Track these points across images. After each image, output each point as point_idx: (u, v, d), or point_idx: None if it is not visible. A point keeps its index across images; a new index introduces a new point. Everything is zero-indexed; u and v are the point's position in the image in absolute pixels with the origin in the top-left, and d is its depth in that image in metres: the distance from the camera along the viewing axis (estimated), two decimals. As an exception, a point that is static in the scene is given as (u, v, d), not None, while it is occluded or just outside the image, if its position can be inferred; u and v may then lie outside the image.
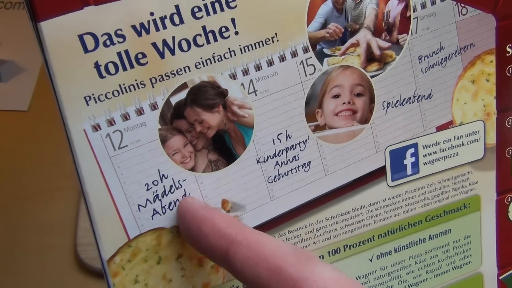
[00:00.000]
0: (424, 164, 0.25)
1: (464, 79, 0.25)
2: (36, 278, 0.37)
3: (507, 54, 0.25)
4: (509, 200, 0.28)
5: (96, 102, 0.18)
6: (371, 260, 0.26)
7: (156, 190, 0.20)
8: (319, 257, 0.24)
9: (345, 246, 0.25)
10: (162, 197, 0.20)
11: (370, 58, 0.23)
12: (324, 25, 0.21)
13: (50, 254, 0.38)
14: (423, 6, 0.23)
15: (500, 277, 0.29)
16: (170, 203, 0.20)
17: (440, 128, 0.25)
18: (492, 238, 0.28)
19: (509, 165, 0.28)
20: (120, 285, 0.20)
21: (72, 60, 0.18)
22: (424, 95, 0.24)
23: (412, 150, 0.25)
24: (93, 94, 0.18)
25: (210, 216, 0.19)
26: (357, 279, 0.25)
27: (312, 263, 0.17)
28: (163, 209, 0.20)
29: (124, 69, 0.18)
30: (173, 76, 0.19)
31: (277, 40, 0.21)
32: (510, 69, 0.26)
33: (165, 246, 0.21)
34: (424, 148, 0.25)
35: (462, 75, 0.25)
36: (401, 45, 0.23)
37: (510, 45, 0.25)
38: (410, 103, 0.24)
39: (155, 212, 0.20)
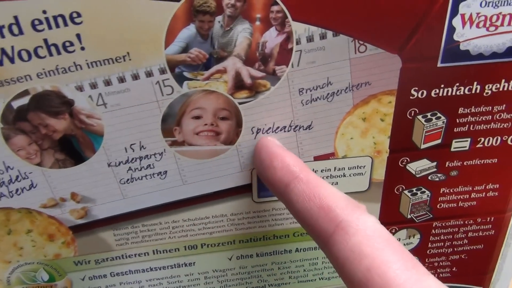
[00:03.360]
0: (297, 188, 0.25)
1: (353, 116, 0.24)
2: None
3: (411, 97, 0.23)
4: (393, 231, 0.28)
5: None
6: (230, 259, 0.27)
7: (2, 178, 0.22)
8: (175, 249, 0.26)
9: (203, 244, 0.26)
10: (9, 184, 0.22)
11: (239, 85, 0.22)
12: (185, 49, 0.20)
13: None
14: (310, 39, 0.21)
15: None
16: (17, 189, 0.22)
17: (318, 158, 0.25)
18: (368, 260, 0.29)
19: (398, 201, 0.27)
20: (-28, 246, 0.23)
21: None
22: (303, 126, 0.23)
23: (284, 174, 0.25)
24: None
25: (281, 153, 0.22)
26: (213, 272, 0.27)
27: (358, 211, 0.19)
28: (10, 193, 0.22)
29: (-39, 72, 0.19)
30: (14, 83, 0.20)
31: (130, 59, 0.20)
32: (413, 112, 0.24)
33: (14, 222, 0.23)
34: (298, 174, 0.25)
35: (351, 111, 0.23)
36: (278, 76, 0.22)
37: (416, 88, 0.23)
38: (285, 131, 0.23)
39: (2, 195, 0.22)
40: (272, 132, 0.23)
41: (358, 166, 0.25)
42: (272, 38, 0.21)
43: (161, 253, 0.26)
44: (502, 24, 0.22)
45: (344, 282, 0.18)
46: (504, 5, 0.21)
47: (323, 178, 0.25)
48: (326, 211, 0.19)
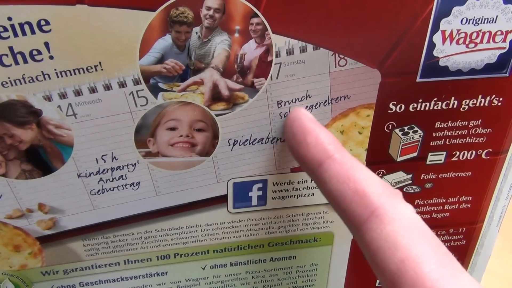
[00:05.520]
0: (273, 199, 0.25)
1: (332, 128, 0.23)
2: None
3: (389, 111, 0.23)
4: (367, 240, 0.28)
5: None
6: (203, 269, 0.27)
7: (-36, 189, 0.21)
8: (147, 259, 0.26)
9: (176, 254, 0.26)
10: (-29, 194, 0.21)
11: (216, 97, 0.21)
12: (160, 60, 0.20)
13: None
14: (290, 52, 0.21)
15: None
16: (-20, 200, 0.21)
17: (296, 170, 0.24)
18: (342, 270, 0.29)
19: (373, 212, 0.27)
20: None
21: None
22: (280, 138, 0.23)
23: (260, 185, 0.24)
24: None
25: (316, 129, 0.20)
26: (186, 281, 0.27)
27: (395, 199, 0.18)
28: (-28, 204, 0.21)
29: None
30: (-24, 91, 0.19)
31: (102, 69, 0.19)
32: (390, 125, 0.24)
33: (-24, 234, 0.22)
34: (274, 185, 0.25)
35: (329, 124, 0.23)
36: (256, 88, 0.21)
37: (394, 102, 0.23)
38: (262, 143, 0.23)
39: (-36, 206, 0.21)
40: (249, 144, 0.23)
41: (334, 178, 0.25)
42: (251, 51, 0.20)
43: (132, 263, 0.25)
44: (481, 41, 0.22)
45: (374, 271, 0.18)
46: (484, 22, 0.21)
47: (300, 189, 0.25)
48: (361, 196, 0.18)
